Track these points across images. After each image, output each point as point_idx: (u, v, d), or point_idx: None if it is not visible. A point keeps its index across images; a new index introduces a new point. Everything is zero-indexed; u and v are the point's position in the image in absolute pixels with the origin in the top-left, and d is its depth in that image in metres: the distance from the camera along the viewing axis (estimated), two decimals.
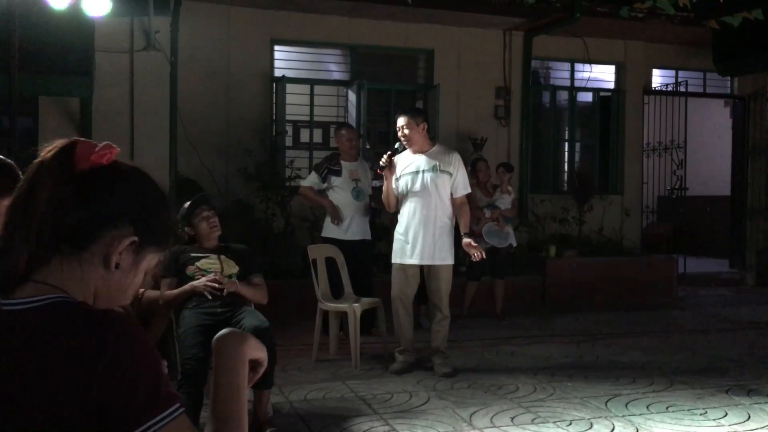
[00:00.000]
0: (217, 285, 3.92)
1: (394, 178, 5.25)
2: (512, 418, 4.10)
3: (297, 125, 8.67)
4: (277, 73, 8.26)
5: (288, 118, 8.20)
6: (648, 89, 9.89)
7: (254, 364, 1.30)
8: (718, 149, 12.00)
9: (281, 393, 4.55)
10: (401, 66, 9.22)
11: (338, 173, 6.21)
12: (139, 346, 1.09)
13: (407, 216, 5.19)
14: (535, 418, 4.10)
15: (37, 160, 1.15)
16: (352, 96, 8.20)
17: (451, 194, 5.20)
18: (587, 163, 9.97)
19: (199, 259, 4.11)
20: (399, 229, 5.25)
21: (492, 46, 8.95)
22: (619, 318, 7.45)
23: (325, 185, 6.23)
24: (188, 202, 4.23)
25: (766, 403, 4.42)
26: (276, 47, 8.37)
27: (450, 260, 5.20)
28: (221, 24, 7.89)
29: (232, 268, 4.13)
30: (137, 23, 6.90)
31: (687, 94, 9.82)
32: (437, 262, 5.14)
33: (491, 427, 3.96)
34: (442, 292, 5.16)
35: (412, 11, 7.89)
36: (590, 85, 9.73)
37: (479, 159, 7.63)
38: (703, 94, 10.45)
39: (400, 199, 5.27)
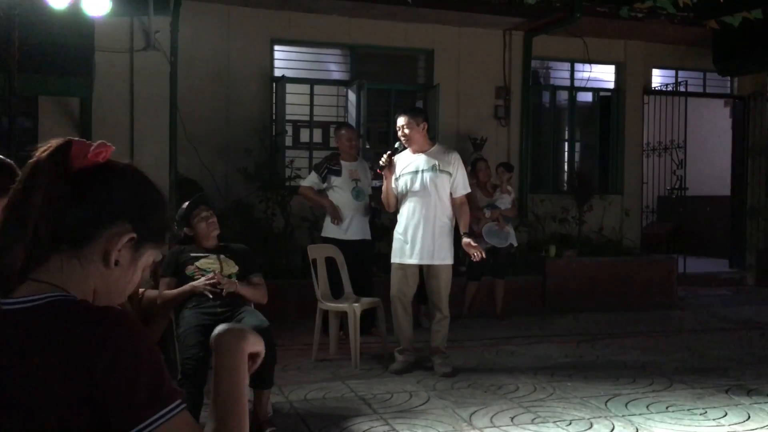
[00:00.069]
0: (216, 284, 3.92)
1: (393, 177, 5.25)
2: (512, 418, 4.10)
3: (297, 125, 8.67)
4: (277, 72, 8.26)
5: (288, 117, 8.20)
6: (648, 89, 9.89)
7: (252, 356, 1.30)
8: (717, 149, 12.00)
9: (281, 393, 4.55)
10: (401, 66, 9.22)
11: (338, 173, 6.21)
12: (140, 342, 1.10)
13: (406, 216, 5.19)
14: (535, 418, 4.10)
15: (32, 160, 1.16)
16: (352, 96, 8.20)
17: (451, 194, 5.20)
18: (587, 163, 9.97)
19: (198, 258, 4.11)
20: (398, 229, 5.25)
21: (492, 46, 8.95)
22: (619, 318, 7.45)
23: (325, 185, 6.23)
24: (187, 203, 4.23)
25: (765, 402, 4.42)
26: (276, 47, 8.37)
27: (449, 260, 5.20)
28: (221, 24, 7.89)
29: (232, 268, 4.13)
30: (137, 23, 6.89)
31: (687, 94, 9.82)
32: (436, 262, 5.14)
33: (491, 427, 3.96)
34: (441, 292, 5.16)
35: (412, 11, 7.89)
36: (590, 85, 9.73)
37: (479, 159, 7.63)
38: (703, 94, 10.45)
39: (399, 199, 5.27)
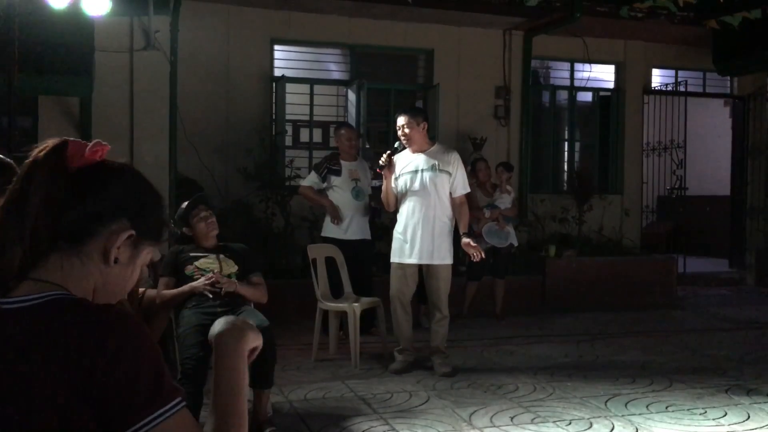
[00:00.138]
0: (215, 284, 3.93)
1: (393, 177, 5.25)
2: (512, 418, 4.10)
3: (297, 125, 8.68)
4: (277, 72, 8.26)
5: (288, 117, 8.21)
6: (648, 89, 9.90)
7: (250, 350, 1.32)
8: (717, 149, 12.01)
9: (281, 392, 4.55)
10: (401, 66, 9.22)
11: (338, 173, 6.21)
12: (140, 340, 1.10)
13: (406, 215, 5.19)
14: (534, 418, 4.10)
15: (29, 160, 1.16)
16: (351, 96, 8.20)
17: (451, 194, 5.20)
18: (587, 162, 9.97)
19: (197, 258, 4.11)
20: (398, 229, 5.25)
21: (492, 45, 8.95)
22: (619, 318, 7.45)
23: (325, 185, 6.23)
24: (186, 202, 4.23)
25: (765, 402, 4.42)
26: (276, 47, 8.37)
27: (449, 260, 5.20)
28: (221, 23, 7.89)
29: (231, 268, 4.13)
30: (137, 23, 6.89)
31: (687, 94, 9.82)
32: (436, 262, 5.14)
33: (491, 427, 3.96)
34: (441, 292, 5.16)
35: (412, 11, 7.89)
36: (590, 84, 9.73)
37: (479, 159, 7.62)
38: (703, 94, 10.45)
39: (399, 199, 5.27)
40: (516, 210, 7.56)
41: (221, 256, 4.15)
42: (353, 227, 6.17)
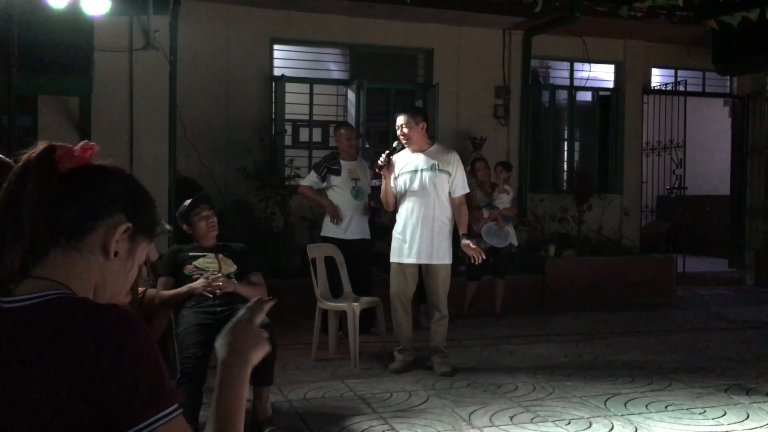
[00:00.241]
0: (212, 283, 3.93)
1: (392, 177, 5.25)
2: (511, 417, 4.10)
3: (296, 124, 8.67)
4: (277, 72, 8.26)
5: (287, 117, 8.20)
6: (647, 88, 9.90)
7: None
8: (717, 149, 12.01)
9: (280, 392, 4.55)
10: (400, 65, 9.22)
11: (337, 172, 6.21)
12: (142, 341, 1.10)
13: (405, 215, 5.19)
14: (534, 417, 4.10)
15: (20, 164, 1.18)
16: (351, 95, 8.20)
17: (450, 194, 5.20)
18: (586, 162, 9.97)
19: (197, 258, 4.11)
20: (397, 228, 5.25)
21: (491, 45, 8.95)
22: (618, 317, 7.45)
23: (325, 184, 6.23)
24: (188, 200, 4.25)
25: (764, 402, 4.42)
26: (275, 46, 8.37)
27: (448, 259, 5.20)
28: (221, 23, 7.89)
29: (231, 267, 4.13)
30: (136, 22, 6.88)
31: (686, 94, 9.82)
32: (435, 262, 5.14)
33: (490, 426, 3.96)
34: (440, 292, 5.16)
35: (411, 10, 7.89)
36: (589, 84, 9.73)
37: (478, 158, 7.63)
38: (703, 94, 10.46)
39: (398, 198, 5.27)
40: (515, 210, 7.55)
41: (220, 255, 4.15)
42: (353, 227, 6.17)
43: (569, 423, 4.01)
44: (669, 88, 9.98)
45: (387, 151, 5.33)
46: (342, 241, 6.01)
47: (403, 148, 5.29)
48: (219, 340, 1.29)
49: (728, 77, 10.33)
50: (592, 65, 9.60)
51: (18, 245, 1.14)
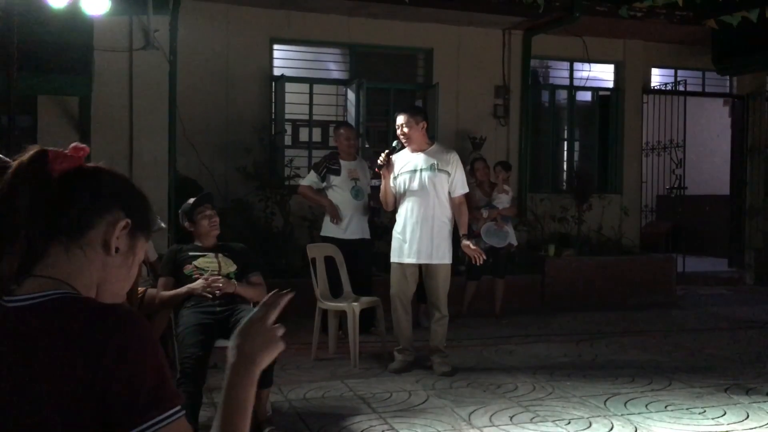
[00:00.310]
0: (212, 285, 3.94)
1: (392, 176, 5.25)
2: (511, 417, 4.10)
3: (296, 124, 8.68)
4: (276, 72, 8.26)
5: (287, 117, 8.21)
6: (647, 88, 9.90)
7: None
8: (717, 148, 12.02)
9: (280, 392, 4.55)
10: (400, 65, 9.22)
11: (337, 172, 6.21)
12: (145, 341, 1.11)
13: (405, 215, 5.19)
14: (534, 417, 4.10)
15: (12, 169, 1.18)
16: (351, 95, 8.20)
17: (450, 194, 5.20)
18: (586, 162, 9.98)
19: (196, 257, 4.11)
20: (397, 228, 5.25)
21: (491, 45, 8.95)
22: (618, 317, 7.45)
23: (324, 184, 6.23)
24: (192, 199, 4.28)
25: (764, 402, 4.42)
26: (275, 46, 8.37)
27: (448, 259, 5.20)
28: (220, 23, 7.89)
29: (230, 267, 4.13)
30: (136, 22, 6.88)
31: (686, 94, 9.83)
32: (435, 261, 5.14)
33: (490, 426, 3.96)
34: (440, 291, 5.16)
35: (411, 10, 7.88)
36: (589, 84, 9.73)
37: (477, 158, 7.63)
38: (702, 94, 10.46)
39: (398, 198, 5.27)
40: (515, 209, 7.55)
41: (220, 255, 4.15)
42: (352, 227, 6.17)
43: (569, 423, 4.01)
44: (669, 87, 9.98)
45: (386, 151, 5.33)
46: (342, 240, 6.01)
47: (402, 147, 5.28)
48: (230, 343, 1.28)
49: (728, 77, 10.33)
50: (592, 65, 9.61)
51: (14, 247, 1.15)
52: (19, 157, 1.20)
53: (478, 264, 5.27)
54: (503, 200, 7.25)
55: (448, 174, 5.16)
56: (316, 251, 5.72)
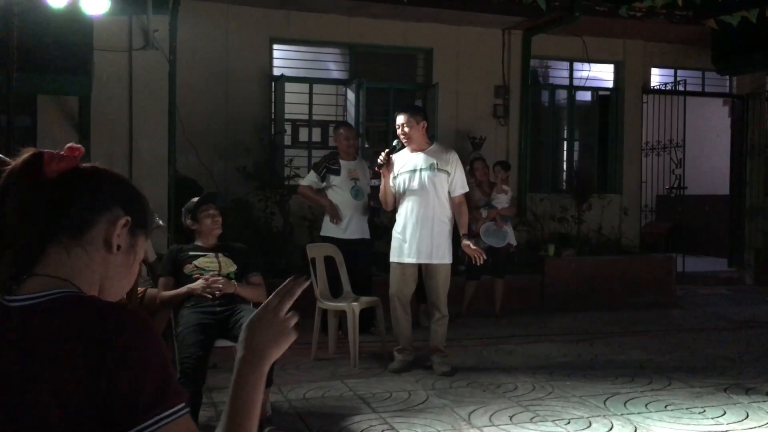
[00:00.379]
0: (212, 285, 3.94)
1: (391, 176, 5.25)
2: (511, 417, 4.10)
3: (296, 124, 8.68)
4: (276, 72, 8.26)
5: (287, 117, 8.20)
6: (647, 88, 9.90)
7: None
8: (716, 148, 12.01)
9: (280, 392, 4.55)
10: (400, 65, 9.22)
11: (337, 172, 6.21)
12: (148, 339, 1.11)
13: (405, 215, 5.18)
14: (533, 417, 4.10)
15: (5, 174, 1.19)
16: (351, 95, 8.20)
17: (450, 194, 5.20)
18: (586, 162, 9.98)
19: (197, 257, 4.11)
20: (397, 228, 5.25)
21: (491, 45, 8.95)
22: (618, 317, 7.45)
23: (324, 184, 6.23)
24: (197, 198, 4.30)
25: (764, 401, 4.43)
26: (275, 46, 8.37)
27: (448, 259, 5.20)
28: (220, 23, 7.88)
29: (230, 267, 4.13)
30: (136, 22, 6.88)
31: (686, 93, 9.82)
32: (435, 261, 5.14)
33: (490, 426, 3.96)
34: (440, 291, 5.16)
35: (411, 10, 7.88)
36: (589, 84, 9.73)
37: (477, 158, 7.62)
38: (702, 93, 10.46)
39: (397, 198, 5.27)
40: (514, 209, 7.54)
41: (220, 255, 4.16)
42: (352, 226, 6.17)
43: (569, 422, 4.01)
44: (668, 87, 9.98)
45: (386, 150, 5.33)
46: (341, 240, 6.01)
47: (403, 147, 5.28)
48: (240, 336, 1.26)
49: (728, 77, 10.33)
50: (592, 65, 9.60)
51: (9, 249, 1.16)
52: (16, 158, 1.20)
53: (478, 264, 5.27)
54: (502, 200, 7.25)
55: (448, 174, 5.16)
56: (315, 251, 5.72)
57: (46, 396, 1.05)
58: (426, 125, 5.29)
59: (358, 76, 8.27)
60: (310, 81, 8.43)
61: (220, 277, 4.01)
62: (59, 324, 1.09)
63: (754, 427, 3.98)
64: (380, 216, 6.97)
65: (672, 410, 4.26)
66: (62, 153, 1.22)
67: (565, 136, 10.17)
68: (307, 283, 1.30)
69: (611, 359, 5.62)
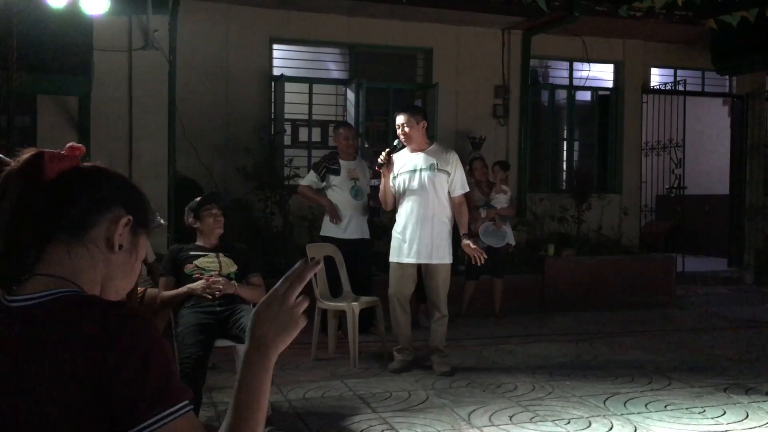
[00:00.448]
0: (212, 286, 3.94)
1: (391, 176, 5.25)
2: (511, 417, 4.10)
3: (296, 124, 8.67)
4: (276, 71, 8.26)
5: (287, 117, 8.20)
6: (646, 88, 9.90)
7: None
8: (716, 148, 12.02)
9: (280, 392, 4.55)
10: (400, 65, 9.21)
11: (337, 172, 6.21)
12: (149, 338, 1.11)
13: (405, 215, 5.18)
14: (533, 417, 4.10)
15: (4, 173, 1.19)
16: (350, 95, 8.20)
17: (450, 194, 5.20)
18: (586, 162, 9.98)
19: (197, 257, 4.11)
20: (397, 228, 5.25)
21: (491, 44, 8.95)
22: (618, 317, 7.45)
23: (324, 184, 6.23)
24: (200, 197, 4.32)
25: (764, 401, 4.43)
26: (275, 46, 8.37)
27: (448, 259, 5.20)
28: (220, 23, 7.88)
29: (231, 267, 4.13)
30: (135, 22, 6.88)
31: (685, 93, 9.82)
32: (435, 261, 5.14)
33: (490, 426, 3.96)
34: (440, 291, 5.16)
35: (410, 10, 7.88)
36: (589, 84, 9.73)
37: (476, 158, 7.62)
38: (702, 93, 10.46)
39: (397, 198, 5.27)
40: (513, 209, 7.54)
41: (221, 255, 4.16)
42: (352, 226, 6.17)
43: (568, 422, 4.01)
44: (668, 87, 9.98)
45: (387, 149, 5.33)
46: (341, 240, 6.01)
47: (403, 146, 5.28)
48: (248, 325, 1.21)
49: (727, 77, 10.33)
50: (592, 65, 9.60)
51: (9, 249, 1.16)
52: (17, 158, 1.20)
53: (479, 264, 5.27)
54: (501, 200, 7.24)
55: (448, 174, 5.16)
56: (315, 251, 5.72)
57: (48, 396, 1.05)
58: (426, 125, 5.29)
59: (358, 76, 8.27)
60: (310, 81, 8.42)
61: (221, 278, 4.02)
62: (60, 324, 1.09)
63: (754, 427, 3.98)
64: (380, 216, 6.97)
65: (672, 410, 4.26)
66: (63, 152, 1.22)
67: (565, 136, 10.17)
68: (319, 267, 1.25)
69: (611, 359, 5.62)
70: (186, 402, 1.10)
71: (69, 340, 1.07)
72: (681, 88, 9.86)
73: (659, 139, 10.01)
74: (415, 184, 5.14)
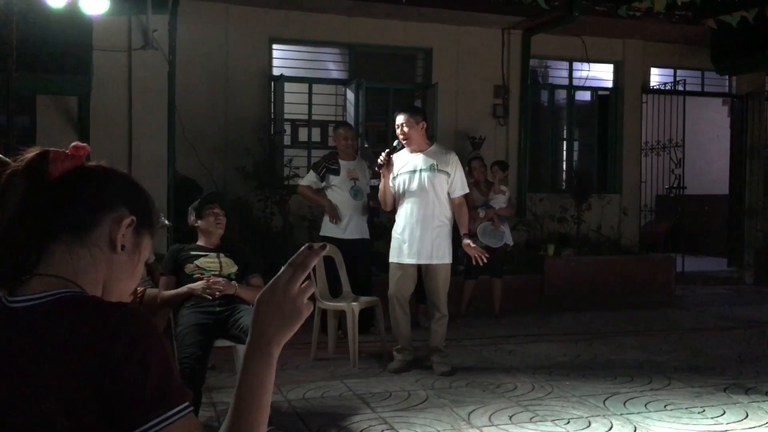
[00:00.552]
0: (212, 286, 3.95)
1: (391, 176, 5.25)
2: (510, 417, 4.10)
3: (295, 124, 8.67)
4: (276, 71, 8.25)
5: (286, 117, 8.20)
6: (646, 88, 9.90)
7: None
8: (716, 148, 12.01)
9: (279, 392, 4.55)
10: (400, 65, 9.22)
11: (336, 172, 6.21)
12: (150, 339, 1.10)
13: (405, 215, 5.18)
14: (533, 417, 4.10)
15: (8, 171, 1.18)
16: (350, 95, 8.20)
17: (449, 194, 5.19)
18: (585, 162, 9.98)
19: (198, 257, 4.11)
20: (396, 228, 5.25)
21: (490, 44, 8.95)
22: (617, 317, 7.45)
23: (324, 184, 6.23)
24: (202, 197, 4.34)
25: (763, 401, 4.43)
26: (274, 46, 8.37)
27: (447, 259, 5.20)
28: (219, 23, 7.88)
29: (231, 267, 4.13)
30: (135, 22, 6.88)
31: (685, 93, 9.82)
32: (435, 262, 5.13)
33: (489, 426, 3.96)
34: (440, 291, 5.16)
35: (410, 10, 7.88)
36: (588, 84, 9.73)
37: (475, 158, 7.62)
38: (702, 93, 10.46)
39: (397, 199, 5.27)
40: (512, 209, 7.54)
41: (221, 255, 4.16)
42: (352, 226, 6.17)
43: (568, 422, 4.01)
44: (668, 87, 9.98)
45: (387, 150, 5.33)
46: (341, 240, 6.01)
47: (403, 147, 5.28)
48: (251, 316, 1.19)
49: (727, 77, 10.33)
50: (591, 65, 9.60)
51: (11, 249, 1.16)
52: (21, 157, 1.20)
53: (481, 264, 5.26)
54: (500, 200, 7.24)
55: (448, 174, 5.16)
56: None
57: (49, 397, 1.04)
58: (425, 126, 5.29)
59: (358, 76, 8.27)
60: (310, 81, 8.42)
61: (221, 278, 4.01)
62: (62, 324, 1.08)
63: (754, 427, 3.98)
64: (380, 216, 6.96)
65: (671, 410, 4.26)
66: (68, 152, 1.21)
67: (565, 136, 10.16)
68: (324, 252, 1.18)
69: (610, 359, 5.62)
70: (186, 403, 1.10)
71: (70, 340, 1.07)
72: (681, 88, 9.86)
73: (659, 139, 10.01)
74: (414, 184, 5.14)
